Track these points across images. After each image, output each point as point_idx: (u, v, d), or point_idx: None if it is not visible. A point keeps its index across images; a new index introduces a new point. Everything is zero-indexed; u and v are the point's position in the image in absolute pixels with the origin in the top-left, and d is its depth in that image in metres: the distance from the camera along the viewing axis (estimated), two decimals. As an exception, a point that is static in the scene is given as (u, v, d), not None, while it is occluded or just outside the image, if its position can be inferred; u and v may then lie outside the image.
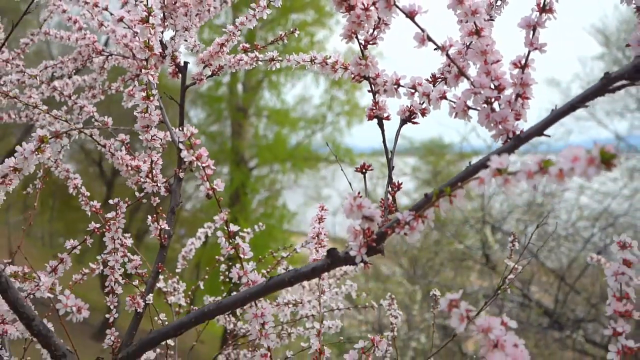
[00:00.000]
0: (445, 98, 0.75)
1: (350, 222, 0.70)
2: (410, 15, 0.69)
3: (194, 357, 1.63)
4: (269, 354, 0.79)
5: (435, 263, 7.86)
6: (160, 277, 1.40)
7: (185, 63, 1.17)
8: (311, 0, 10.26)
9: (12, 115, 1.52)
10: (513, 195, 8.15)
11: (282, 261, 1.52)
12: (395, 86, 0.79)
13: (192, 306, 1.52)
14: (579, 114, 8.63)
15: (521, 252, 1.30)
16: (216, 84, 10.46)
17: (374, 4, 0.70)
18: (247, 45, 1.18)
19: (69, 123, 1.13)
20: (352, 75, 0.81)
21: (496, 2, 0.86)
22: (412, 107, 0.80)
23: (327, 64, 0.95)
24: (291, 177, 11.41)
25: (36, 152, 0.82)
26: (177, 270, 1.57)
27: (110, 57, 1.39)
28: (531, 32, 0.68)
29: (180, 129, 0.69)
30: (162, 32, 1.10)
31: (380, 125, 0.81)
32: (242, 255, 0.77)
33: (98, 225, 1.06)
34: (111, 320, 1.10)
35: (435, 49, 0.72)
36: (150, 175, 1.05)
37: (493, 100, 0.68)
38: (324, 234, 1.08)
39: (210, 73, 1.17)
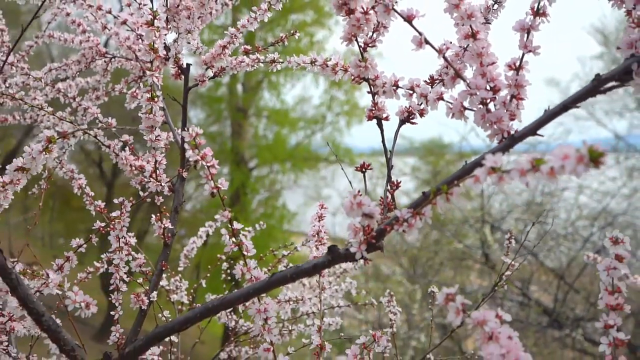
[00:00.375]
0: (443, 99, 0.77)
1: (350, 222, 0.73)
2: (408, 19, 0.72)
3: (194, 357, 1.64)
4: (271, 348, 0.81)
5: (435, 262, 7.89)
6: (163, 275, 1.42)
7: (188, 65, 1.19)
8: (310, 0, 10.28)
9: (16, 117, 1.55)
10: (513, 195, 8.18)
11: (282, 259, 1.54)
12: (394, 87, 0.81)
13: (194, 304, 1.54)
14: (578, 113, 8.66)
15: (517, 249, 1.32)
16: (216, 85, 10.49)
17: (373, 8, 0.73)
18: (249, 47, 1.20)
19: (74, 124, 1.15)
20: (352, 77, 0.83)
21: (493, 6, 0.89)
22: (410, 108, 0.83)
23: (327, 66, 0.97)
24: (291, 177, 11.43)
25: (44, 152, 0.84)
26: (180, 269, 1.59)
27: (113, 59, 1.41)
28: (525, 35, 0.71)
29: (187, 128, 0.71)
30: (165, 35, 1.12)
31: (380, 125, 0.83)
32: (245, 252, 0.80)
33: (103, 224, 1.08)
34: (116, 317, 1.12)
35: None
36: (154, 175, 1.07)
37: (488, 101, 0.71)
38: (324, 232, 1.10)
39: (212, 74, 1.19)
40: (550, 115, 0.65)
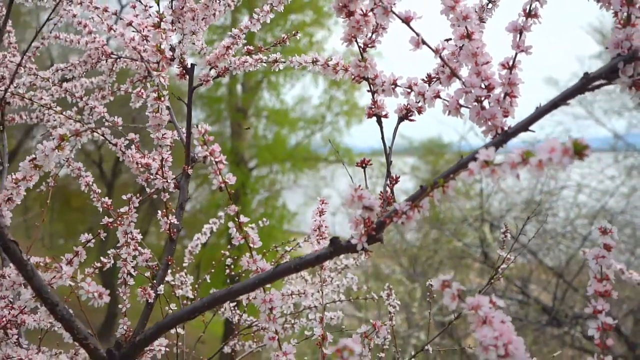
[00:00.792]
0: (439, 97, 0.81)
1: (349, 222, 0.76)
2: (406, 20, 0.75)
3: (194, 357, 1.68)
4: (276, 336, 0.84)
5: (434, 261, 7.92)
6: (168, 271, 1.45)
7: (192, 65, 1.22)
8: (310, 0, 10.31)
9: (23, 117, 1.58)
10: (512, 194, 8.21)
11: (285, 255, 1.58)
12: (393, 86, 0.84)
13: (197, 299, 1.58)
14: (577, 112, 8.69)
15: (512, 244, 1.36)
16: (215, 85, 10.52)
17: (372, 10, 0.76)
18: (251, 48, 1.24)
19: (81, 123, 1.18)
20: (352, 76, 0.86)
21: (487, 5, 0.92)
22: (408, 106, 0.86)
23: (328, 66, 1.01)
24: (291, 177, 11.46)
25: (56, 150, 0.87)
26: (184, 265, 1.63)
27: (118, 60, 1.44)
28: (518, 36, 0.74)
29: (196, 125, 0.74)
30: (170, 36, 1.16)
31: (379, 122, 0.86)
32: (251, 245, 0.83)
33: (111, 220, 1.11)
34: (123, 310, 1.16)
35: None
36: (160, 172, 1.10)
37: (483, 98, 0.74)
38: (325, 227, 1.14)
39: (216, 74, 1.22)
40: (541, 112, 0.68)
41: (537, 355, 6.62)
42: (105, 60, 1.44)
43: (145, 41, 1.25)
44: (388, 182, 0.84)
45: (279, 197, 11.23)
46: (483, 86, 0.74)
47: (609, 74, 0.65)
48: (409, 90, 0.83)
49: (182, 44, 1.15)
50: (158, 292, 1.13)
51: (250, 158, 11.12)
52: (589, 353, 6.29)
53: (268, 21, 1.20)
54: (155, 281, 1.11)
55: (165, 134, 1.04)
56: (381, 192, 0.86)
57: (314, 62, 1.08)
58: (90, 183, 1.33)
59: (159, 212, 1.16)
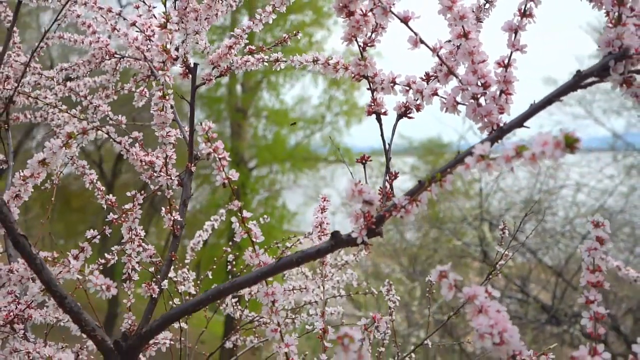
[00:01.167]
0: (437, 94, 0.83)
1: (349, 217, 0.78)
2: (405, 20, 0.77)
3: (194, 356, 1.70)
4: (278, 329, 0.86)
5: (434, 260, 7.94)
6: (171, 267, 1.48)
7: (195, 65, 1.24)
8: (309, 1, 10.33)
9: (27, 115, 1.60)
10: (511, 193, 8.23)
11: (285, 252, 1.60)
12: (392, 84, 0.86)
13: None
14: (576, 112, 8.72)
15: (510, 240, 1.38)
16: (215, 85, 10.51)
17: (371, 10, 0.78)
18: (253, 47, 1.26)
19: (88, 121, 1.21)
20: (352, 75, 0.89)
21: (484, 5, 0.94)
22: (407, 103, 0.88)
23: (329, 65, 1.03)
24: (290, 177, 11.48)
25: (64, 147, 0.89)
26: (186, 261, 1.65)
27: (122, 59, 1.46)
28: (513, 35, 0.76)
29: (200, 123, 0.77)
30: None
31: (379, 120, 0.89)
32: (254, 239, 0.85)
33: (116, 216, 1.14)
34: (128, 305, 1.18)
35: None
36: (164, 169, 1.13)
37: (479, 96, 0.76)
38: (327, 224, 1.16)
39: (218, 74, 1.25)
40: (535, 109, 0.70)
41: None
42: (109, 59, 1.46)
43: (148, 41, 1.27)
44: (387, 177, 0.86)
45: (279, 197, 11.25)
46: (479, 84, 0.77)
47: (600, 72, 0.67)
48: (408, 88, 0.85)
49: (185, 43, 1.18)
50: (162, 287, 1.16)
51: (250, 158, 11.14)
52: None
53: (270, 21, 1.22)
54: (159, 276, 1.13)
55: (169, 132, 1.06)
56: (380, 187, 0.89)
57: (315, 61, 1.10)
58: (95, 180, 1.35)
59: (163, 208, 1.18)
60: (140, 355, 1.13)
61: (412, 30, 0.78)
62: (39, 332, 1.32)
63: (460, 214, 7.70)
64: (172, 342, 1.17)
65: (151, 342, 1.16)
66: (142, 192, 1.16)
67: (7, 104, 1.36)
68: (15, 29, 1.67)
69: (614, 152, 8.65)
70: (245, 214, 0.86)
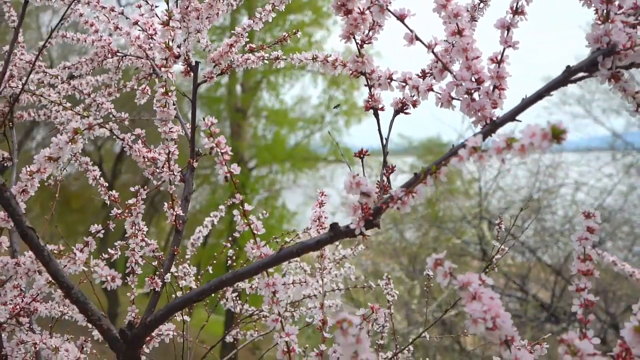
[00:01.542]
0: (432, 90, 0.85)
1: (347, 207, 0.81)
2: (401, 18, 0.80)
3: (194, 356, 1.72)
4: (279, 318, 0.88)
5: (433, 259, 7.95)
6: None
7: (197, 62, 1.27)
8: (309, 1, 10.37)
9: (31, 114, 1.63)
10: (510, 192, 8.26)
11: (284, 247, 1.62)
12: (389, 80, 0.89)
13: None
14: (575, 111, 8.74)
15: (505, 235, 1.41)
16: (215, 85, 10.57)
17: (369, 8, 0.81)
18: (254, 46, 1.29)
19: (93, 118, 1.23)
20: (351, 72, 0.91)
21: (479, 4, 0.97)
22: (404, 99, 0.91)
23: (328, 62, 1.06)
24: (290, 177, 11.51)
25: (70, 143, 0.92)
26: (187, 256, 1.67)
27: (124, 58, 1.49)
28: (506, 32, 0.79)
29: (203, 118, 0.79)
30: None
31: (376, 115, 0.91)
32: (255, 231, 0.88)
33: (120, 211, 1.16)
34: (132, 299, 1.20)
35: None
36: (167, 165, 1.15)
37: (473, 91, 0.79)
38: (325, 217, 1.18)
39: (219, 72, 1.27)
40: (526, 103, 0.73)
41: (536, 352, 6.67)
42: (111, 57, 1.48)
43: (150, 39, 1.29)
44: (384, 171, 0.89)
45: (279, 197, 11.28)
46: (473, 79, 0.79)
47: (589, 67, 0.70)
48: (404, 84, 0.88)
49: (187, 41, 1.20)
50: (165, 281, 1.18)
51: (250, 158, 11.17)
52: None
53: (270, 20, 1.25)
54: (162, 270, 1.16)
55: (172, 128, 1.09)
56: (378, 181, 0.91)
57: (314, 59, 1.13)
58: (98, 177, 1.38)
59: (165, 204, 1.20)
60: (144, 346, 1.16)
61: (408, 28, 0.80)
62: (43, 326, 1.34)
63: (460, 214, 7.73)
64: (175, 334, 1.19)
65: (155, 333, 1.18)
66: (146, 187, 1.19)
67: (12, 102, 1.38)
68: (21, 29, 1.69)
69: (613, 151, 8.68)
70: (247, 207, 0.88)
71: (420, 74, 0.90)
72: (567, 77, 0.71)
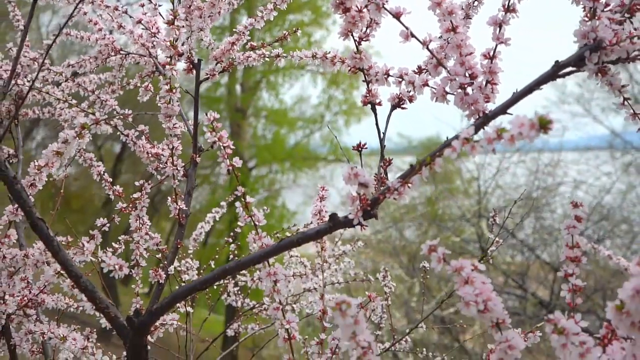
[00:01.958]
0: (428, 85, 0.88)
1: (346, 197, 0.84)
2: (397, 15, 0.83)
3: (196, 352, 1.75)
4: (280, 307, 0.92)
5: (433, 258, 7.98)
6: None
7: (199, 60, 1.30)
8: (308, 0, 10.40)
9: (36, 111, 1.66)
10: (509, 190, 8.29)
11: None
12: (385, 76, 0.92)
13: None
14: (574, 110, 8.78)
15: (500, 229, 1.44)
16: (215, 85, 10.61)
17: (366, 6, 0.84)
18: (255, 44, 1.32)
19: (99, 114, 1.26)
20: (349, 68, 0.94)
21: (473, 3, 1.00)
22: (400, 94, 0.94)
23: (327, 59, 1.09)
24: (290, 177, 11.54)
25: (77, 138, 0.95)
26: (189, 252, 1.71)
27: (127, 56, 1.52)
28: (498, 29, 0.82)
29: (206, 114, 0.82)
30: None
31: (373, 109, 0.94)
32: (257, 223, 0.91)
33: (125, 205, 1.19)
34: (136, 291, 1.23)
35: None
36: (170, 160, 1.18)
37: (466, 85, 0.82)
38: (325, 211, 1.21)
39: (221, 69, 1.30)
40: (517, 97, 0.76)
41: (535, 349, 6.72)
42: (115, 56, 1.51)
43: (154, 38, 1.32)
44: (382, 164, 0.92)
45: (279, 196, 11.30)
46: (467, 74, 0.82)
47: (577, 62, 0.73)
48: (400, 80, 0.91)
49: (190, 40, 1.23)
50: (168, 273, 1.21)
51: (250, 158, 11.20)
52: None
53: (271, 19, 1.28)
54: (165, 262, 1.19)
55: (175, 124, 1.12)
56: (375, 174, 0.94)
57: (314, 56, 1.16)
58: (102, 172, 1.41)
59: (169, 198, 1.23)
60: (148, 336, 1.19)
61: (403, 25, 0.83)
62: (48, 318, 1.37)
63: (459, 212, 7.77)
64: (177, 325, 1.22)
65: (159, 323, 1.21)
66: (149, 182, 1.22)
67: (21, 99, 1.41)
68: (22, 27, 1.72)
69: (611, 150, 8.71)
70: (249, 199, 0.91)
71: (416, 70, 0.93)
72: (556, 71, 0.74)
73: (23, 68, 1.59)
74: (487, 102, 0.81)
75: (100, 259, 0.95)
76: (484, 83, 0.82)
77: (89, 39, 1.53)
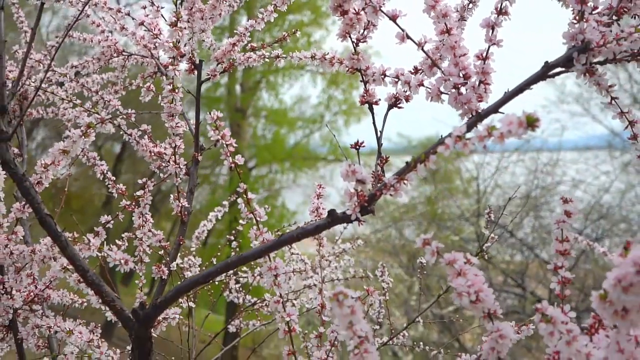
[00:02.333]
0: (423, 85, 0.91)
1: (344, 194, 0.87)
2: (393, 18, 0.86)
3: (198, 347, 1.77)
4: (281, 300, 0.94)
5: (432, 257, 8.01)
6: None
7: (201, 61, 1.33)
8: (307, 1, 10.42)
9: (40, 111, 1.68)
10: (509, 190, 8.31)
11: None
12: (382, 76, 0.95)
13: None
14: (573, 110, 8.81)
15: (495, 225, 1.47)
16: (214, 86, 10.63)
17: (363, 9, 0.87)
18: (255, 45, 1.35)
19: (105, 114, 1.29)
20: (347, 68, 0.97)
21: (468, 5, 1.03)
22: (397, 94, 0.97)
23: (325, 59, 1.12)
24: (290, 177, 11.57)
25: (83, 136, 0.98)
26: (192, 249, 1.73)
27: (130, 57, 1.55)
28: (490, 31, 0.85)
29: (209, 112, 0.85)
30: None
31: (371, 109, 0.97)
32: (258, 218, 0.94)
33: (128, 202, 1.22)
34: (140, 286, 1.26)
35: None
36: (173, 158, 1.21)
37: (460, 85, 0.85)
38: (323, 208, 1.24)
39: (222, 69, 1.33)
40: (508, 96, 0.79)
41: (534, 348, 6.75)
42: (117, 57, 1.54)
43: (156, 39, 1.35)
44: (379, 161, 0.95)
45: (279, 196, 11.33)
46: (460, 75, 0.85)
47: (565, 63, 0.76)
48: (397, 80, 0.94)
49: (191, 41, 1.26)
50: (171, 269, 1.24)
51: (250, 158, 11.22)
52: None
53: (272, 20, 1.31)
54: (168, 259, 1.22)
55: (178, 123, 1.15)
56: (373, 171, 0.97)
57: (313, 57, 1.19)
58: (105, 171, 1.43)
59: (172, 195, 1.26)
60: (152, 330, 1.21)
61: (399, 27, 0.86)
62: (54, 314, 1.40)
63: (459, 211, 7.80)
64: (180, 318, 1.25)
65: (162, 317, 1.24)
66: (152, 180, 1.25)
67: (26, 99, 1.44)
68: (26, 28, 1.75)
69: (610, 149, 8.74)
70: (250, 195, 0.94)
71: (412, 71, 0.96)
72: (546, 71, 0.77)
73: (28, 69, 1.62)
74: (480, 101, 0.84)
75: (105, 254, 0.98)
76: (477, 83, 0.84)
77: (92, 41, 1.56)
